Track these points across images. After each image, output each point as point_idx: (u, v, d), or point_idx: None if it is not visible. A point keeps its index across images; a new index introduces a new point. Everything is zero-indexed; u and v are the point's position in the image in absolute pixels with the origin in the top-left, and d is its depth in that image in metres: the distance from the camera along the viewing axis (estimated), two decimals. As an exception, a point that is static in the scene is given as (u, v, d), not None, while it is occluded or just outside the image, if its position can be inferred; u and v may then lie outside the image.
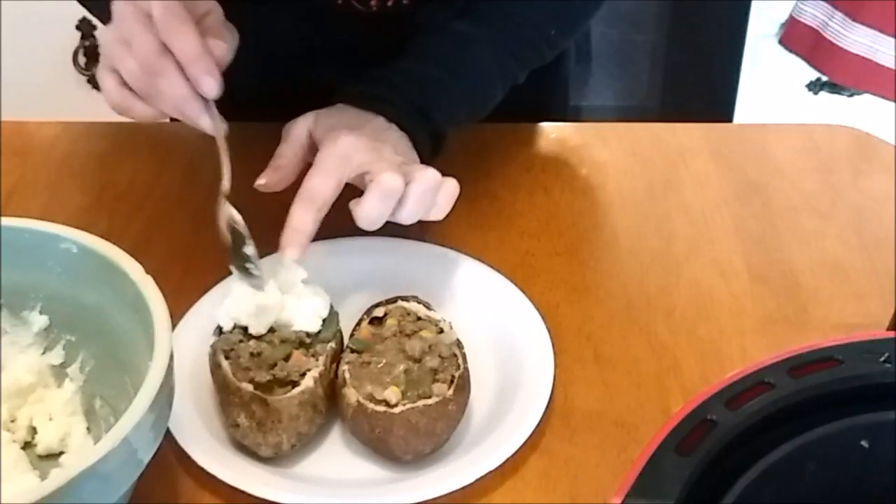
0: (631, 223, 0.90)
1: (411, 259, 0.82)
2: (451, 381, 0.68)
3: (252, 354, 0.69)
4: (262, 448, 0.67)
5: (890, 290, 0.82)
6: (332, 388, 0.70)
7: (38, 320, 0.71)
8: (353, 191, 0.74)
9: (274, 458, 0.68)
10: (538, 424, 0.69)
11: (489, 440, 0.69)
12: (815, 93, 2.64)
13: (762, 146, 0.99)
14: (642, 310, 0.81)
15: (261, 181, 0.76)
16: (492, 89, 0.88)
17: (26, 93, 1.76)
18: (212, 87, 0.70)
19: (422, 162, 0.78)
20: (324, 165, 0.74)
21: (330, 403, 0.70)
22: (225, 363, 0.69)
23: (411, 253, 0.83)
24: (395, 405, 0.66)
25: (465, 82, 0.85)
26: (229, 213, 0.72)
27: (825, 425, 0.49)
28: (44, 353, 0.72)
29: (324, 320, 0.72)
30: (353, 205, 0.73)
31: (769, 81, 2.56)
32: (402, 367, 0.68)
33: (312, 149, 0.78)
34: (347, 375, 0.69)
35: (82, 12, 1.88)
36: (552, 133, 1.02)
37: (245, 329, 0.71)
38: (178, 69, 0.70)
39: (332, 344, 0.71)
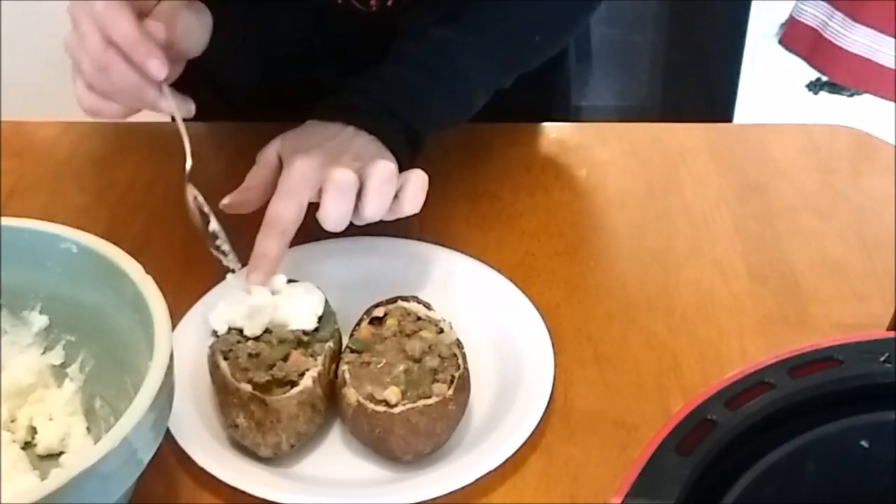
0: (631, 223, 0.90)
1: (411, 259, 0.82)
2: (451, 381, 0.68)
3: (250, 355, 0.69)
4: (262, 448, 0.67)
5: (890, 290, 0.82)
6: (331, 387, 0.70)
7: (38, 320, 0.71)
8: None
9: (273, 458, 0.68)
10: (538, 424, 0.69)
11: (489, 440, 0.69)
12: (815, 93, 2.64)
13: (762, 146, 0.99)
14: (642, 310, 0.81)
15: (225, 201, 0.76)
16: (472, 93, 0.87)
17: (26, 93, 1.76)
18: (157, 68, 0.70)
19: (403, 163, 0.77)
20: (283, 190, 0.74)
21: (329, 403, 0.70)
22: (223, 364, 0.69)
23: (411, 253, 0.83)
24: (395, 405, 0.66)
25: (443, 85, 0.84)
26: (194, 195, 0.73)
27: (825, 425, 0.49)
28: (44, 353, 0.72)
29: (320, 318, 0.72)
30: (317, 213, 0.73)
31: (769, 81, 2.56)
32: (402, 367, 0.69)
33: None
34: (347, 375, 0.69)
35: (82, 12, 1.88)
36: (552, 133, 1.02)
37: (242, 329, 0.71)
38: (124, 59, 0.70)
39: (331, 343, 0.71)
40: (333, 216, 0.72)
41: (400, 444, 0.66)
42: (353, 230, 0.78)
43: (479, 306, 0.79)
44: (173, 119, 0.73)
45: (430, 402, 0.66)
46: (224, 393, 0.68)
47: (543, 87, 1.02)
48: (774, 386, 0.49)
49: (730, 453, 0.47)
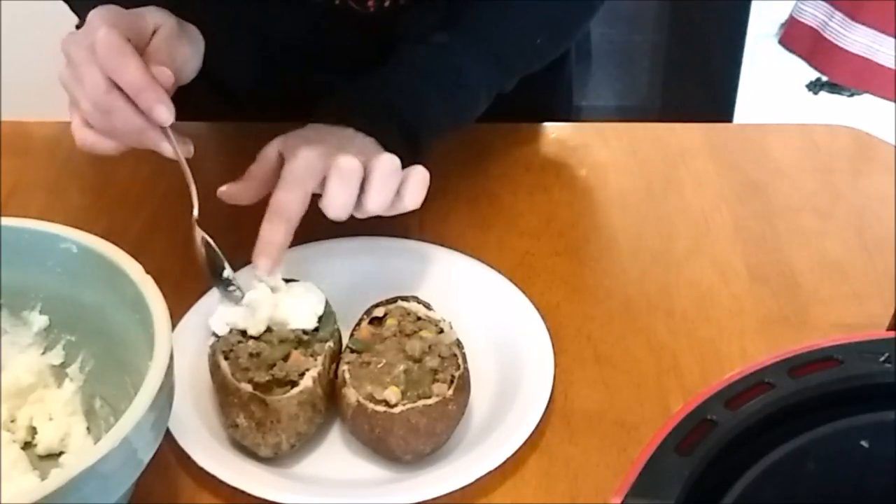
0: (631, 223, 0.90)
1: (411, 259, 0.82)
2: (451, 381, 0.68)
3: (251, 355, 0.69)
4: (262, 448, 0.67)
5: (890, 290, 0.82)
6: (331, 387, 0.70)
7: (38, 320, 0.71)
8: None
9: (273, 458, 0.68)
10: (538, 424, 0.69)
11: (489, 440, 0.69)
12: (815, 93, 2.64)
13: (762, 146, 0.99)
14: (642, 310, 0.81)
15: (222, 189, 0.76)
16: (473, 97, 0.87)
17: (26, 93, 1.76)
18: (164, 114, 0.71)
19: (403, 166, 0.77)
20: (287, 179, 0.74)
21: (329, 403, 0.70)
22: (224, 363, 0.69)
23: (411, 253, 0.83)
24: (395, 405, 0.66)
25: (444, 91, 0.84)
26: (203, 238, 0.73)
27: (825, 425, 0.49)
28: (44, 353, 0.72)
29: (320, 318, 0.72)
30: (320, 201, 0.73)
31: (769, 81, 2.56)
32: (402, 367, 0.69)
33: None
34: (347, 375, 0.69)
35: (82, 12, 1.88)
36: (552, 133, 1.02)
37: (243, 330, 0.71)
38: (128, 103, 0.70)
39: (331, 343, 0.71)
40: (337, 203, 0.72)
41: (400, 444, 0.66)
42: (353, 230, 0.78)
43: (479, 306, 0.79)
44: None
45: (430, 402, 0.66)
46: (224, 393, 0.68)
47: (545, 87, 1.02)
48: (774, 386, 0.49)
49: (730, 453, 0.47)
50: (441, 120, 0.85)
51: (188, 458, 0.67)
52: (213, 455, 0.67)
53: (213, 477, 0.66)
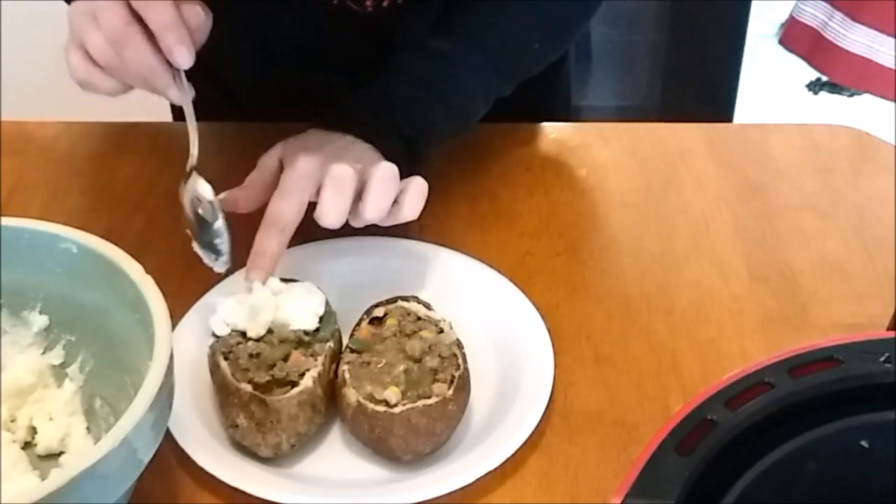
0: (631, 223, 0.90)
1: (411, 259, 0.82)
2: (451, 381, 0.68)
3: (251, 355, 0.69)
4: (262, 448, 0.67)
5: (890, 290, 0.82)
6: (331, 387, 0.70)
7: (38, 320, 0.71)
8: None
9: (273, 459, 0.68)
10: (538, 424, 0.69)
11: (489, 440, 0.69)
12: (815, 93, 2.64)
13: (762, 146, 0.99)
14: (642, 310, 0.81)
15: (221, 196, 0.75)
16: (471, 105, 0.87)
17: (26, 93, 1.76)
18: (185, 57, 0.69)
19: (402, 174, 0.77)
20: (284, 188, 0.74)
21: (329, 403, 0.70)
22: (224, 364, 0.69)
23: (411, 253, 0.83)
24: (395, 405, 0.66)
25: (442, 98, 0.84)
26: (196, 188, 0.72)
27: (825, 425, 0.49)
28: (44, 353, 0.72)
29: (321, 318, 0.72)
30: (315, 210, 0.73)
31: (769, 81, 2.56)
32: (402, 367, 0.69)
33: None
34: (347, 375, 0.69)
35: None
36: (552, 133, 1.02)
37: (243, 331, 0.71)
38: (146, 39, 0.69)
39: (331, 343, 0.71)
40: (330, 212, 0.72)
41: (400, 444, 0.66)
42: (353, 230, 0.78)
43: (479, 306, 0.79)
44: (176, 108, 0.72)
45: (430, 402, 0.66)
46: (224, 393, 0.68)
47: (544, 88, 1.02)
48: (774, 386, 0.49)
49: (730, 453, 0.47)
50: (441, 130, 0.85)
51: (188, 458, 0.67)
52: (213, 455, 0.67)
53: (213, 477, 0.66)
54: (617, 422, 0.72)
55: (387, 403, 0.67)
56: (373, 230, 0.79)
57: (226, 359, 0.69)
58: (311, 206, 0.74)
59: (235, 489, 0.65)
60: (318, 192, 0.73)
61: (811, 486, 0.49)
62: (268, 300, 0.72)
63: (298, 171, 0.73)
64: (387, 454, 0.68)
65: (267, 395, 0.67)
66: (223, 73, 0.99)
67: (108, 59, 0.70)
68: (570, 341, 0.77)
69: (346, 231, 0.81)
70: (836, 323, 0.80)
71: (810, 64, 2.69)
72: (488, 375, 0.74)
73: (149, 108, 0.95)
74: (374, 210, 0.73)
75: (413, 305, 0.74)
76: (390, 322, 0.73)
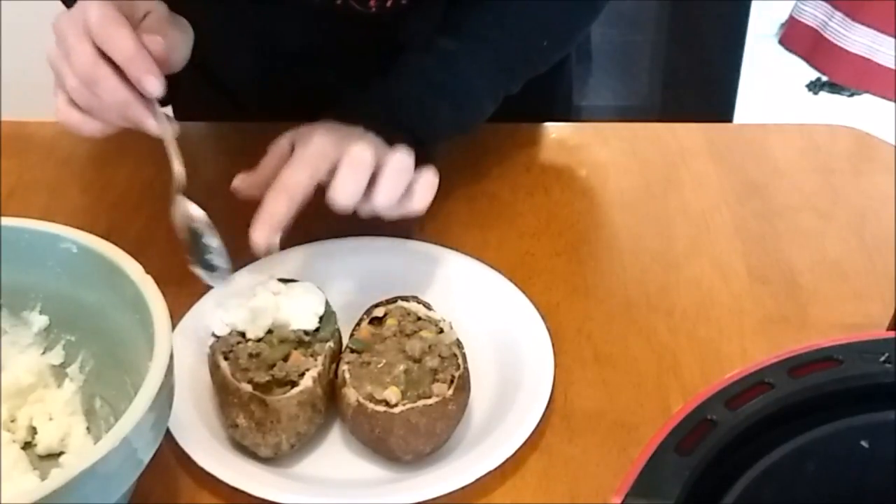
0: (631, 223, 0.90)
1: (411, 259, 0.82)
2: (451, 381, 0.68)
3: (251, 355, 0.69)
4: (262, 448, 0.67)
5: (890, 290, 0.82)
6: (331, 387, 0.70)
7: (38, 320, 0.71)
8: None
9: (273, 459, 0.68)
10: (538, 424, 0.69)
11: (489, 440, 0.69)
12: (815, 93, 2.64)
13: (762, 146, 0.99)
14: (642, 310, 0.81)
15: (236, 182, 0.75)
16: (478, 103, 0.87)
17: (26, 93, 1.75)
18: (154, 85, 0.70)
19: None
20: (297, 160, 0.73)
21: (329, 403, 0.70)
22: (224, 364, 0.69)
23: (411, 253, 0.83)
24: (395, 405, 0.66)
25: (450, 97, 0.84)
26: (186, 210, 0.72)
27: (825, 425, 0.49)
28: (44, 353, 0.72)
29: (321, 318, 0.72)
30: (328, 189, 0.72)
31: (769, 81, 2.56)
32: (402, 367, 0.68)
33: None
34: (347, 375, 0.69)
35: (82, 12, 1.87)
36: (552, 133, 1.02)
37: (243, 331, 0.71)
38: (116, 74, 0.69)
39: (331, 343, 0.71)
40: (345, 192, 0.71)
41: (400, 444, 0.66)
42: (353, 230, 0.78)
43: (479, 306, 0.79)
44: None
45: (430, 402, 0.66)
46: (224, 393, 0.68)
47: (545, 88, 1.02)
48: (774, 386, 0.49)
49: (730, 453, 0.47)
50: (448, 130, 0.86)
51: (188, 458, 0.67)
52: (213, 455, 0.67)
53: (213, 477, 0.66)
54: (617, 422, 0.72)
55: (387, 403, 0.67)
56: (373, 229, 0.80)
57: (226, 359, 0.69)
58: (312, 206, 0.73)
59: (235, 489, 0.65)
60: (331, 173, 0.72)
61: (811, 486, 0.49)
62: (269, 304, 0.71)
63: (314, 146, 0.73)
64: (387, 454, 0.68)
65: (267, 395, 0.67)
66: (225, 73, 0.99)
67: (87, 100, 0.71)
68: (570, 341, 0.77)
69: (346, 231, 0.81)
70: (836, 323, 0.80)
71: (810, 64, 2.69)
72: (488, 375, 0.74)
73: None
74: (384, 197, 0.72)
75: (413, 305, 0.74)
76: (390, 322, 0.73)
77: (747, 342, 0.78)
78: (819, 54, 2.66)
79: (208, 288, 0.77)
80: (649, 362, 0.76)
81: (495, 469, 0.67)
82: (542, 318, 0.77)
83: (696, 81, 2.28)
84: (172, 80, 0.73)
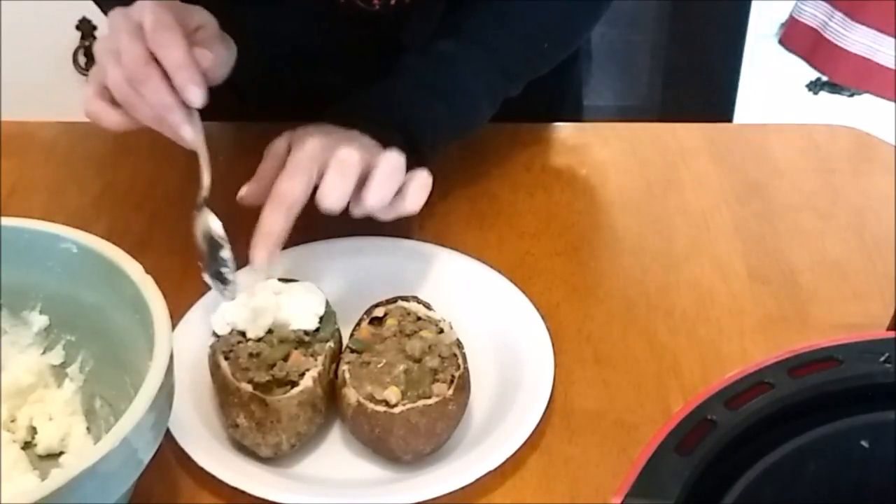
0: (631, 223, 0.90)
1: (411, 259, 0.82)
2: (451, 381, 0.68)
3: (251, 355, 0.69)
4: (262, 448, 0.67)
5: (890, 290, 0.82)
6: (331, 387, 0.70)
7: (38, 320, 0.71)
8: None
9: (273, 458, 0.68)
10: (538, 424, 0.69)
11: (489, 440, 0.69)
12: (815, 93, 2.64)
13: (762, 146, 0.99)
14: (642, 310, 0.81)
15: (242, 192, 0.76)
16: (477, 106, 0.87)
17: (26, 93, 1.76)
18: (197, 95, 0.72)
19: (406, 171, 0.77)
20: (291, 167, 0.74)
21: (329, 403, 0.70)
22: (224, 364, 0.69)
23: (411, 253, 0.83)
24: (395, 405, 0.66)
25: (448, 102, 0.84)
26: (207, 222, 0.73)
27: (825, 425, 0.49)
28: (44, 353, 0.72)
29: (321, 318, 0.72)
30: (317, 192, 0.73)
31: (769, 81, 2.56)
32: (402, 367, 0.69)
33: None
34: (347, 375, 0.69)
35: (82, 12, 1.88)
36: (552, 133, 1.02)
37: (244, 331, 0.71)
38: (163, 78, 0.71)
39: (331, 343, 0.71)
40: (332, 195, 0.72)
41: (400, 444, 0.66)
42: (353, 230, 0.78)
43: (479, 306, 0.79)
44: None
45: (430, 402, 0.66)
46: (224, 393, 0.68)
47: (554, 87, 1.02)
48: (774, 386, 0.49)
49: (730, 453, 0.47)
50: (445, 132, 0.85)
51: (188, 458, 0.67)
52: (213, 455, 0.67)
53: (213, 477, 0.66)
54: (617, 422, 0.72)
55: (387, 403, 0.67)
56: (373, 229, 0.80)
57: (226, 358, 0.69)
58: (311, 205, 0.73)
59: (235, 489, 0.65)
60: (321, 176, 0.73)
61: (811, 486, 0.49)
62: (269, 303, 0.71)
63: (305, 151, 0.74)
64: (387, 454, 0.68)
65: (267, 394, 0.67)
66: (231, 72, 0.99)
67: (126, 96, 0.72)
68: (570, 341, 0.77)
69: (346, 231, 0.81)
70: (836, 323, 0.80)
71: (810, 64, 2.68)
72: (488, 375, 0.74)
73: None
74: (375, 198, 0.73)
75: (413, 305, 0.74)
76: (390, 322, 0.73)
77: (747, 342, 0.78)
78: (819, 54, 2.66)
79: (208, 288, 0.77)
80: (649, 362, 0.76)
81: (495, 469, 0.67)
82: (542, 318, 0.77)
83: (696, 81, 2.28)
84: None
